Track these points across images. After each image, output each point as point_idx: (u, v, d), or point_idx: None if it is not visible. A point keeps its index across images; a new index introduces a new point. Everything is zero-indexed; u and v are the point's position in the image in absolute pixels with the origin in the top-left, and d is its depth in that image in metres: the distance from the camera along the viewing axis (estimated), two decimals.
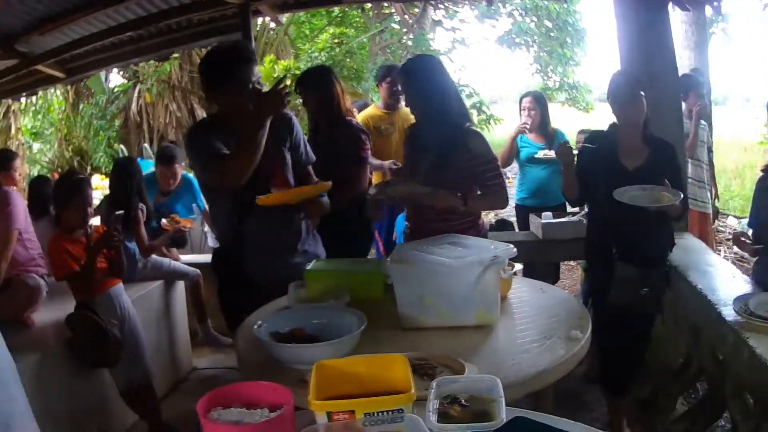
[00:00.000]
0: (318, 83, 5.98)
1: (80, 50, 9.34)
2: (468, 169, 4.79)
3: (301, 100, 6.50)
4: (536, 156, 7.64)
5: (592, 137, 5.57)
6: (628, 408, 5.47)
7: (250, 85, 4.34)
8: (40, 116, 24.16)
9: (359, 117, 6.89)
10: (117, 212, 5.60)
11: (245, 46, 4.85)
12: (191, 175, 7.53)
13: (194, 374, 7.52)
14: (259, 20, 14.43)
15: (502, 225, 8.36)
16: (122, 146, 16.40)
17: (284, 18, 9.91)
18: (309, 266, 4.31)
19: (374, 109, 7.83)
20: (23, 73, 10.09)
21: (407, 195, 4.91)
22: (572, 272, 10.05)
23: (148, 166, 9.04)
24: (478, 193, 4.89)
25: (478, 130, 5.11)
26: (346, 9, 21.70)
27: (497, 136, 20.51)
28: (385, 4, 21.12)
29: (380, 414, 2.09)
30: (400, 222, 6.02)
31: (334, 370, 2.38)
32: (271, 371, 3.02)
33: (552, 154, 7.22)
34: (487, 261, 3.42)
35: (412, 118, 5.90)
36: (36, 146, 23.53)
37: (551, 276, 7.70)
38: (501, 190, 4.92)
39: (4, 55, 9.11)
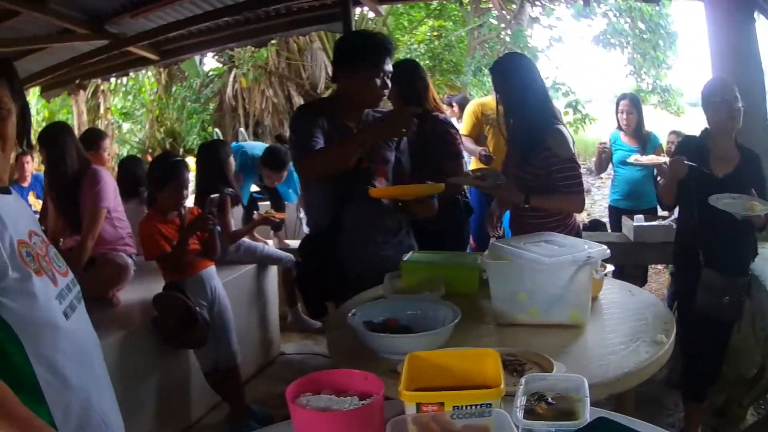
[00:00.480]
0: (404, 78, 5.84)
1: (175, 33, 9.47)
2: (544, 167, 4.80)
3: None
4: (627, 161, 7.61)
5: (684, 142, 5.60)
6: (703, 414, 5.46)
7: (379, 79, 4.40)
8: (130, 97, 24.49)
9: (473, 104, 6.82)
10: (213, 195, 5.67)
11: (389, 39, 4.88)
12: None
13: (281, 359, 7.62)
14: (357, 10, 14.42)
15: (595, 225, 8.37)
16: (217, 130, 16.55)
17: (384, 9, 9.86)
18: (405, 257, 4.34)
19: (490, 98, 7.68)
20: (115, 54, 10.23)
21: (478, 186, 5.03)
22: (659, 275, 9.98)
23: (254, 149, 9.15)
24: (551, 193, 4.85)
25: (563, 129, 4.99)
26: (445, 2, 21.74)
27: (591, 135, 20.47)
28: None
29: (469, 407, 2.10)
30: (507, 216, 6.02)
31: (426, 361, 2.41)
32: (362, 359, 3.04)
33: (643, 159, 7.30)
34: (581, 261, 3.42)
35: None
36: (125, 126, 23.83)
37: (640, 278, 7.68)
38: (571, 194, 4.83)
39: (95, 36, 9.23)
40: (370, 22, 19.52)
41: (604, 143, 8.02)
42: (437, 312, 3.36)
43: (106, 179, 5.89)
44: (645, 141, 7.89)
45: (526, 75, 4.98)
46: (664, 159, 7.02)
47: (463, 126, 8.44)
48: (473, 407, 2.09)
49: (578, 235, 4.90)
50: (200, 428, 6.12)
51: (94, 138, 7.46)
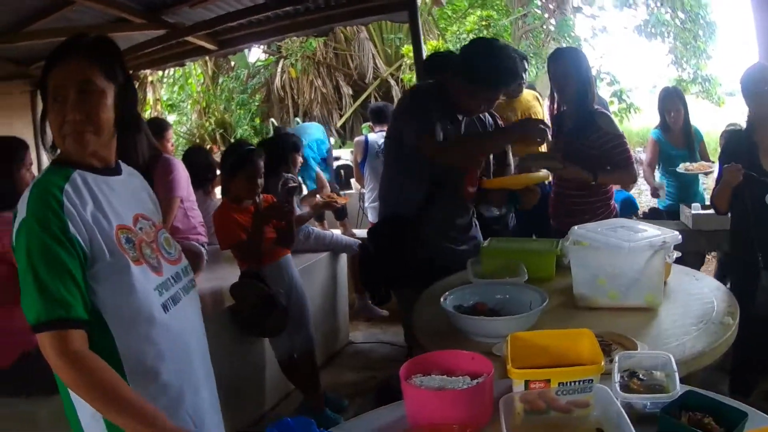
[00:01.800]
0: (436, 71, 6.01)
1: (234, 23, 9.53)
2: (599, 147, 5.25)
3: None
4: (677, 170, 7.61)
5: (731, 138, 5.75)
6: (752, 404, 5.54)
7: (492, 101, 4.67)
8: (175, 88, 24.69)
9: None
10: (292, 185, 5.81)
11: (522, 65, 5.12)
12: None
13: (349, 347, 7.76)
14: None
15: (655, 213, 8.44)
16: (272, 120, 16.74)
17: None
18: (485, 243, 4.53)
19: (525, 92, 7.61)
20: (172, 43, 10.32)
21: (546, 167, 5.14)
22: (707, 264, 10.01)
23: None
24: (608, 168, 5.29)
25: (606, 111, 5.60)
26: None
27: (635, 125, 20.49)
28: None
29: (573, 384, 2.25)
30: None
31: (526, 341, 2.56)
32: (451, 342, 3.13)
33: (693, 167, 7.38)
34: (657, 245, 3.54)
35: (533, 105, 6.30)
36: (171, 117, 24.01)
37: (697, 265, 7.78)
38: (629, 166, 5.43)
39: (152, 26, 9.35)
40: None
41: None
42: (523, 296, 3.52)
43: (179, 168, 6.01)
44: (691, 141, 7.86)
45: (581, 65, 5.38)
46: (713, 167, 7.08)
47: None
48: (577, 383, 2.25)
49: (616, 215, 5.38)
50: (274, 417, 6.11)
51: (160, 128, 7.47)
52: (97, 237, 2.44)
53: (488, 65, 4.46)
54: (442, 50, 8.77)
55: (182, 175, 6.05)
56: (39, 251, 2.33)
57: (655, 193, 8.30)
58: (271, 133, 12.05)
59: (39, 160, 11.33)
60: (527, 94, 7.28)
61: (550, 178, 5.47)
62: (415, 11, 8.07)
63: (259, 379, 6.18)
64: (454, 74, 4.65)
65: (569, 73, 5.37)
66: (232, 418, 5.56)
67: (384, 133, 7.46)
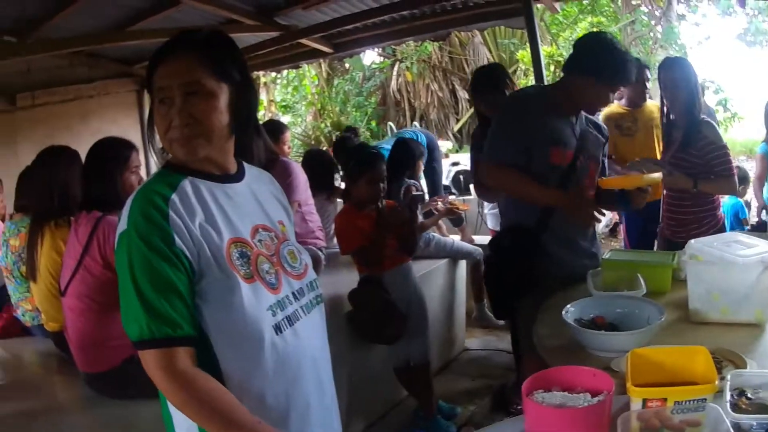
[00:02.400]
0: (490, 85, 6.17)
1: (350, 26, 9.61)
2: (702, 156, 5.44)
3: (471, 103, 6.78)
4: None
5: None
6: None
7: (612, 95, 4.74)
8: (289, 89, 24.96)
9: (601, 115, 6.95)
10: (416, 193, 5.89)
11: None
12: None
13: (464, 354, 7.79)
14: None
15: (763, 227, 8.36)
16: (391, 124, 16.86)
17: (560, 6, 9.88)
18: (606, 255, 4.58)
19: (616, 106, 7.48)
20: (286, 45, 10.47)
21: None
22: None
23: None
24: (711, 178, 5.47)
25: (712, 121, 5.71)
26: None
27: (739, 136, 20.25)
28: None
29: (688, 402, 2.23)
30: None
31: (643, 358, 2.56)
32: (571, 356, 3.22)
33: None
34: None
35: (656, 117, 6.55)
36: (285, 119, 24.27)
37: None
38: (730, 177, 5.62)
39: (265, 27, 9.49)
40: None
41: None
42: (642, 310, 3.51)
43: (297, 172, 6.09)
44: None
45: (689, 75, 5.58)
46: None
47: None
48: (692, 402, 2.24)
49: (723, 227, 5.61)
50: (386, 424, 6.31)
51: (276, 130, 7.54)
52: (205, 251, 2.34)
53: (615, 59, 4.50)
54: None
55: (300, 178, 6.13)
56: (142, 266, 2.25)
57: (761, 210, 8.25)
58: (389, 136, 12.12)
59: (147, 163, 11.66)
60: (651, 104, 7.21)
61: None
62: (532, 17, 8.03)
63: (373, 385, 6.23)
64: (571, 70, 4.69)
65: (678, 83, 5.58)
66: (347, 424, 5.66)
67: None
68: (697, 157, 5.53)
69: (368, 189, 5.61)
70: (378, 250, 5.56)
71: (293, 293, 2.57)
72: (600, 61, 4.49)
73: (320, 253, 6.26)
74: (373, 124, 23.45)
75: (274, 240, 2.63)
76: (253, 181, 2.73)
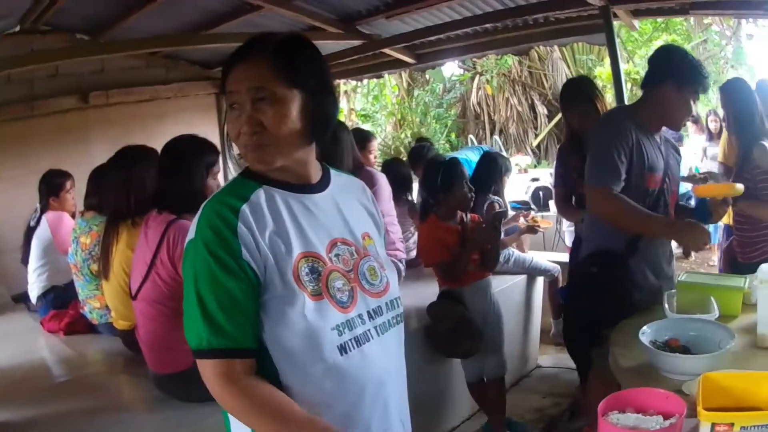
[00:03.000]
0: (580, 97, 6.11)
1: (432, 38, 9.64)
2: (751, 179, 5.41)
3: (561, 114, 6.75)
4: None
5: None
6: None
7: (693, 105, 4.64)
8: (370, 98, 25.11)
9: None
10: (500, 209, 5.88)
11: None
12: None
13: (537, 371, 7.78)
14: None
15: None
16: (472, 137, 16.90)
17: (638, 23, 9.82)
18: (681, 277, 4.48)
19: None
20: (368, 55, 10.55)
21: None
22: None
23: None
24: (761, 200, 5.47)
25: (765, 144, 5.60)
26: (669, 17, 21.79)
27: None
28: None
29: (754, 428, 2.26)
30: None
31: (713, 382, 2.56)
32: (644, 377, 3.21)
33: None
34: None
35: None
36: (365, 128, 24.52)
37: None
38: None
39: (347, 36, 9.55)
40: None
41: None
42: (714, 333, 3.47)
43: (382, 182, 6.02)
44: None
45: (743, 97, 5.66)
46: None
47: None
48: (758, 428, 2.26)
49: None
50: None
51: (363, 139, 7.49)
52: (271, 264, 2.29)
53: (686, 61, 4.51)
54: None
55: (385, 189, 6.05)
56: (206, 279, 2.23)
57: None
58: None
59: (225, 169, 11.76)
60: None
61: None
62: (612, 34, 7.96)
63: (445, 399, 6.25)
64: (650, 84, 4.67)
65: (731, 104, 5.68)
66: None
67: None
68: (748, 180, 5.39)
69: (452, 202, 5.67)
70: (460, 264, 5.57)
71: (368, 312, 2.46)
72: (677, 66, 4.48)
73: (400, 264, 6.21)
74: (453, 136, 23.53)
75: (353, 255, 2.52)
76: (339, 190, 2.63)
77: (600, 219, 4.81)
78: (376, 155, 8.35)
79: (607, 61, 17.72)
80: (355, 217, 2.63)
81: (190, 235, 2.31)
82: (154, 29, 9.81)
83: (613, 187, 4.49)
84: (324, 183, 2.57)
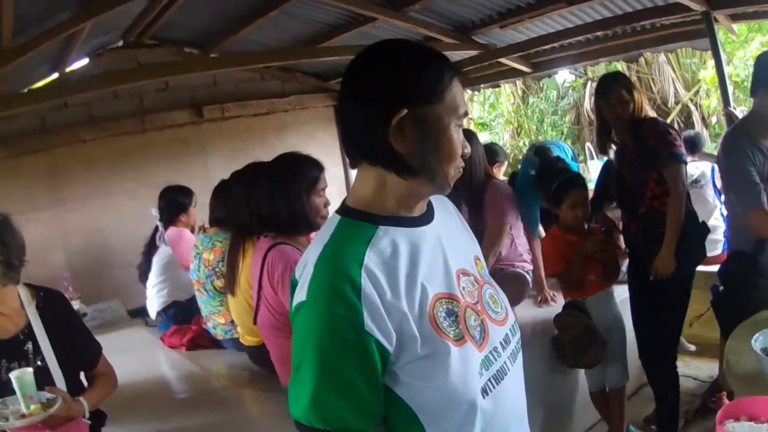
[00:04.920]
0: (610, 89, 5.94)
1: (546, 47, 9.77)
2: None
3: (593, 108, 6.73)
4: None
5: None
6: None
7: None
8: (486, 106, 25.19)
9: None
10: (612, 220, 6.00)
11: None
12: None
13: None
14: None
15: None
16: (589, 145, 16.92)
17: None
18: None
19: None
20: (485, 64, 10.71)
21: None
22: None
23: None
24: None
25: None
26: None
27: None
28: None
29: None
30: None
31: None
32: (758, 385, 3.26)
33: None
34: None
35: None
36: (483, 136, 24.47)
37: None
38: None
39: (463, 46, 9.73)
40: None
41: None
42: None
43: (509, 194, 6.22)
44: None
45: None
46: None
47: None
48: None
49: None
50: None
51: (492, 154, 7.62)
52: (408, 322, 2.03)
53: None
54: None
55: (512, 200, 6.23)
56: (316, 356, 1.99)
57: None
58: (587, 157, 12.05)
59: (347, 178, 12.02)
60: None
61: None
62: (715, 38, 8.08)
63: (568, 409, 6.37)
64: (759, 89, 4.77)
65: None
66: None
67: (695, 163, 7.80)
68: None
69: (572, 213, 5.78)
70: (581, 274, 5.72)
71: (500, 343, 2.28)
72: None
73: (528, 276, 6.42)
74: (568, 143, 23.59)
75: (474, 284, 2.31)
76: (442, 216, 2.38)
77: (737, 219, 5.01)
78: (503, 171, 8.47)
79: (710, 63, 17.65)
80: (462, 241, 2.46)
81: (300, 293, 2.06)
82: (265, 41, 10.09)
83: (762, 205, 4.63)
84: (430, 210, 2.33)
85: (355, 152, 2.22)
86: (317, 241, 2.18)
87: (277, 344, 4.72)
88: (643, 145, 5.64)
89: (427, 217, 2.26)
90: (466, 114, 2.18)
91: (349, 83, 2.19)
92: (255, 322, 4.88)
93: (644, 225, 5.68)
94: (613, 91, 5.75)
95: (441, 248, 2.22)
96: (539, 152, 6.87)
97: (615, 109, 5.76)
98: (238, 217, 5.65)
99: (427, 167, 2.12)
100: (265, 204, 4.76)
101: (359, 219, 2.17)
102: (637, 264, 5.94)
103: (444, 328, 2.08)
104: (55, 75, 10.27)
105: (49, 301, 4.07)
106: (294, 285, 2.14)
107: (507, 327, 2.33)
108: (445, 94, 2.11)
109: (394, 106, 2.06)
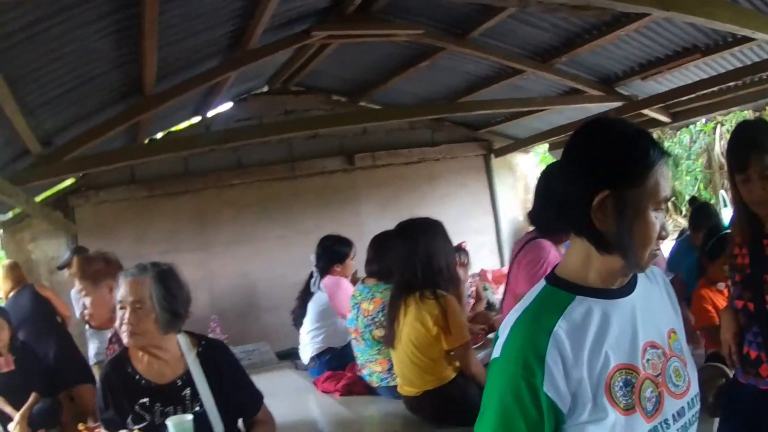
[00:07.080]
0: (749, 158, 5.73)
1: (683, 98, 9.72)
2: None
3: None
4: None
5: None
6: None
7: None
8: None
9: None
10: None
11: None
12: None
13: None
14: None
15: None
16: (723, 193, 16.88)
17: None
18: None
19: None
20: (629, 115, 10.40)
21: None
22: None
23: None
24: None
25: None
26: None
27: None
28: None
29: None
30: None
31: None
32: None
33: None
34: None
35: None
36: None
37: None
38: None
39: (607, 98, 9.92)
40: None
41: None
42: None
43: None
44: None
45: None
46: None
47: None
48: None
49: None
50: None
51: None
52: (584, 388, 2.13)
53: None
54: None
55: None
56: (497, 406, 2.17)
57: None
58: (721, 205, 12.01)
59: (498, 228, 12.24)
60: None
61: None
62: None
63: None
64: None
65: None
66: None
67: None
68: None
69: (723, 269, 5.60)
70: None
71: (673, 414, 2.29)
72: None
73: None
74: (701, 187, 23.46)
75: (661, 357, 2.33)
76: (645, 287, 2.41)
77: None
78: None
79: None
80: (661, 313, 2.46)
81: (497, 349, 2.25)
82: (415, 92, 10.40)
83: None
84: (633, 281, 2.36)
85: (562, 222, 2.37)
86: (522, 303, 2.33)
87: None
88: None
89: (626, 289, 2.31)
90: (667, 200, 2.23)
91: (563, 156, 2.33)
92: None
93: None
94: (752, 161, 3.95)
95: (633, 320, 2.28)
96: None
97: (755, 189, 4.00)
98: (399, 271, 5.71)
99: (622, 247, 2.18)
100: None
101: (561, 288, 2.28)
102: None
103: (617, 397, 2.15)
104: (198, 118, 10.71)
105: (211, 349, 4.24)
106: (495, 339, 2.30)
107: (685, 400, 2.34)
108: (647, 178, 2.17)
109: (597, 186, 2.16)
